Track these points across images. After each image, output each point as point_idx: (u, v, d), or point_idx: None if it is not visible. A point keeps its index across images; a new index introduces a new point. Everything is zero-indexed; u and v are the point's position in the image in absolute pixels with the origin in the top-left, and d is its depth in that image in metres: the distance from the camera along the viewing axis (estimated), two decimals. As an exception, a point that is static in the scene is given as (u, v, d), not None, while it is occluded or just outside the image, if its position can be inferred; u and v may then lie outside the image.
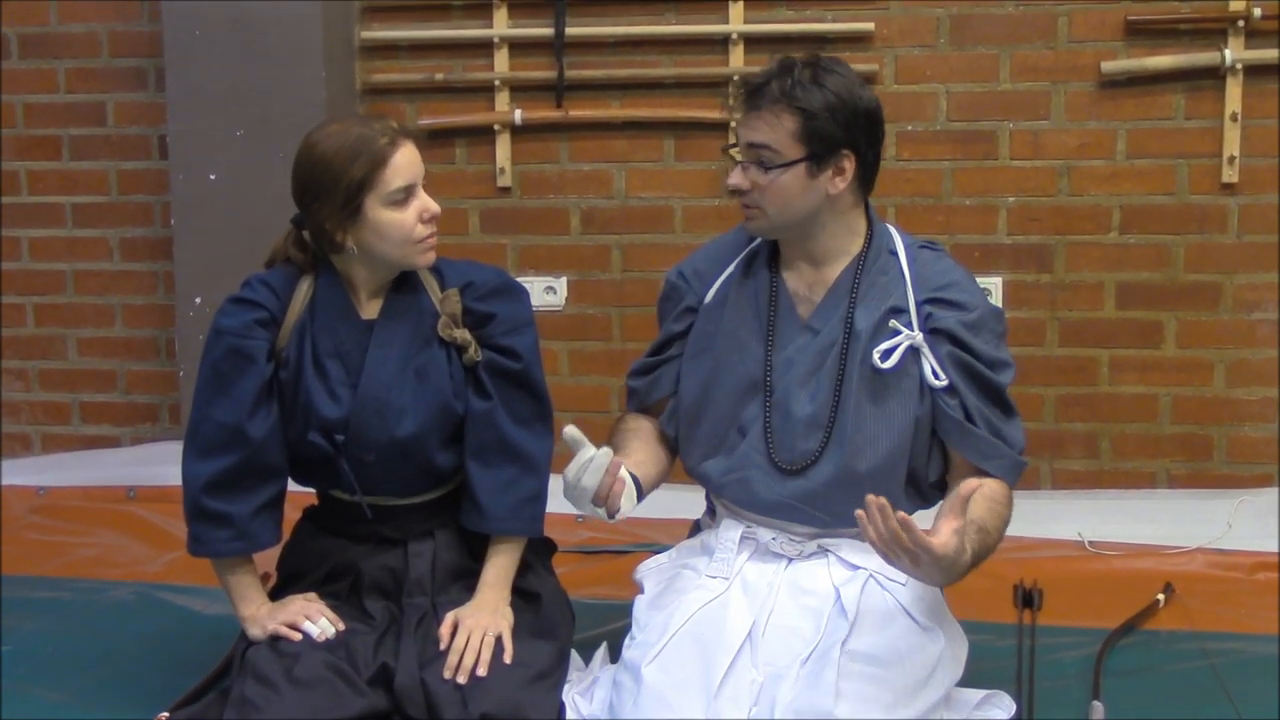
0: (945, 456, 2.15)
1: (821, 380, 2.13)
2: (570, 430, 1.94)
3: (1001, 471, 2.10)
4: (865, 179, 2.12)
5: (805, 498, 2.12)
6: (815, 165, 2.06)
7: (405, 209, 2.06)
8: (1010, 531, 3.18)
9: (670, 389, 2.27)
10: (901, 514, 1.78)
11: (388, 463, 2.15)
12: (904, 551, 1.79)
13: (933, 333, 2.10)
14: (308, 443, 2.13)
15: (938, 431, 2.12)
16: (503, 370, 2.17)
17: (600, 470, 1.93)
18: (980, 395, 2.10)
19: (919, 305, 2.11)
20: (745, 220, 2.15)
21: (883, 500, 1.79)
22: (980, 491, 2.02)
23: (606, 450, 1.95)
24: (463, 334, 2.15)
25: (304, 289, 2.14)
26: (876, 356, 2.09)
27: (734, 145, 2.13)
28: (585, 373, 3.67)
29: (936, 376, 2.09)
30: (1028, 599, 2.79)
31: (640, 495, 2.08)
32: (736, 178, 2.10)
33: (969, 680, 2.16)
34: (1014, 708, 2.19)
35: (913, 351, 2.09)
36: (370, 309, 2.16)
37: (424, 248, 2.09)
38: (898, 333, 2.09)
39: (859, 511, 1.80)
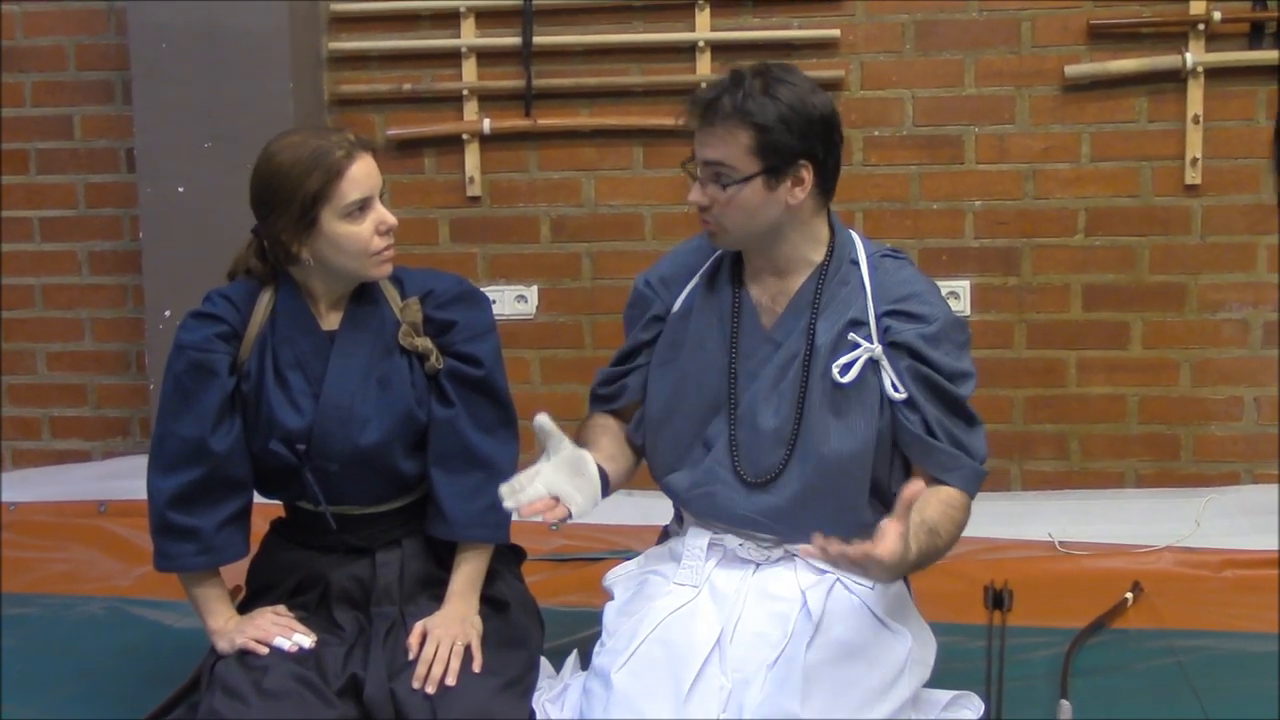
0: (907, 466, 2.13)
1: (784, 393, 2.12)
2: (541, 420, 1.92)
3: (962, 483, 2.08)
4: (825, 186, 2.10)
5: (770, 512, 2.11)
6: (773, 178, 2.03)
7: (361, 221, 2.05)
8: (981, 533, 3.23)
9: (637, 396, 2.27)
10: (837, 546, 1.79)
11: (352, 472, 2.15)
12: (855, 566, 1.82)
13: (892, 346, 2.08)
14: (271, 454, 2.13)
15: (898, 444, 2.11)
16: (465, 377, 2.17)
17: (541, 489, 1.93)
18: (941, 407, 2.08)
19: (878, 318, 2.09)
20: (708, 235, 2.13)
21: (820, 540, 1.81)
22: (937, 495, 2.04)
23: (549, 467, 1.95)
24: (424, 342, 2.16)
25: (265, 301, 2.14)
26: (836, 371, 2.07)
27: (692, 160, 2.10)
28: (557, 381, 3.67)
29: (896, 389, 2.07)
30: (998, 600, 2.81)
31: (606, 490, 2.06)
32: (696, 194, 2.08)
33: (939, 681, 2.17)
34: (982, 708, 2.20)
35: (872, 364, 2.08)
36: (331, 320, 2.16)
37: (380, 260, 2.09)
38: (857, 346, 2.08)
39: (805, 548, 1.84)
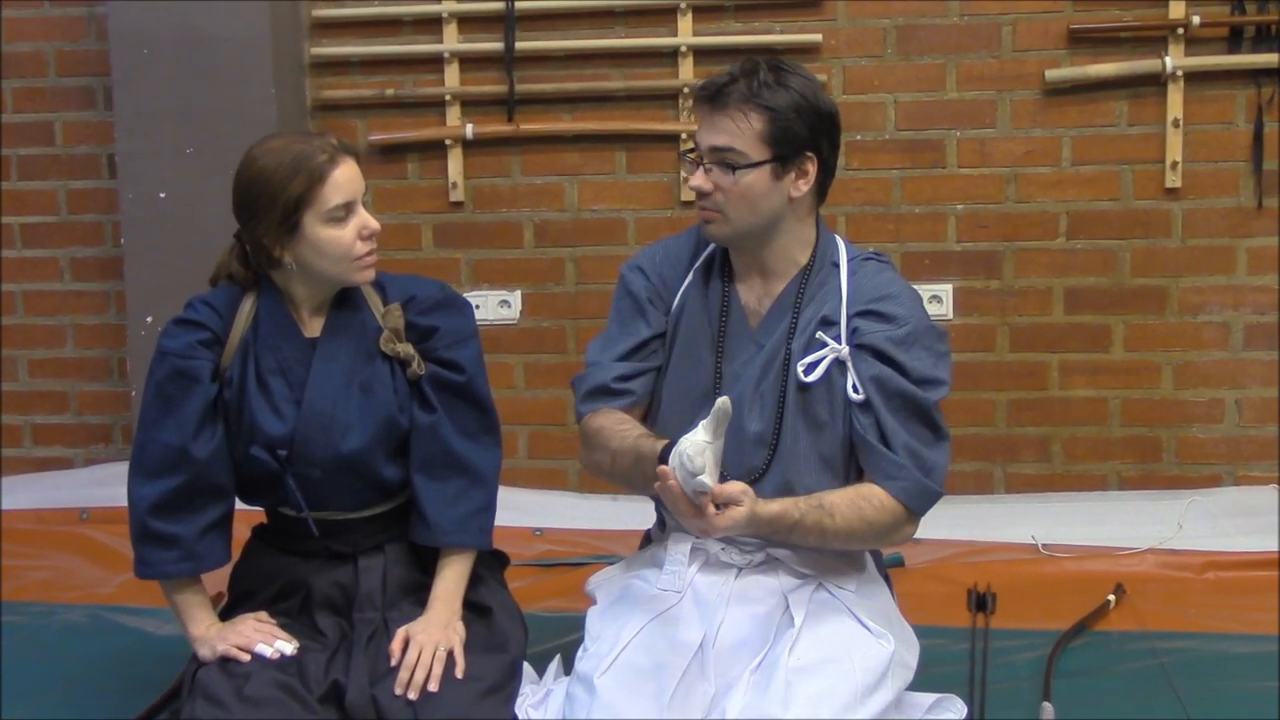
0: None
1: (765, 395, 2.13)
2: (727, 403, 1.85)
3: (904, 496, 2.06)
4: (822, 185, 2.13)
5: None
6: (780, 166, 2.05)
7: (344, 226, 2.06)
8: (965, 536, 3.25)
9: (645, 401, 2.22)
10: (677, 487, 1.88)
11: (334, 478, 2.15)
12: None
13: (859, 348, 2.09)
14: (253, 460, 2.12)
15: (853, 445, 2.11)
16: (446, 383, 2.17)
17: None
18: (902, 413, 2.07)
19: (850, 318, 2.10)
20: (705, 226, 2.13)
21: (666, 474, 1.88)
22: (858, 488, 2.06)
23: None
24: (405, 348, 2.16)
25: (247, 308, 2.14)
26: (800, 370, 2.09)
27: (692, 150, 2.11)
28: (541, 385, 3.67)
29: (856, 390, 2.08)
30: (981, 602, 2.82)
31: None
32: (699, 179, 2.08)
33: (922, 684, 2.17)
34: (965, 710, 2.20)
35: (840, 365, 2.09)
36: (313, 326, 2.16)
37: (362, 265, 2.09)
38: (824, 345, 2.09)
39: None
